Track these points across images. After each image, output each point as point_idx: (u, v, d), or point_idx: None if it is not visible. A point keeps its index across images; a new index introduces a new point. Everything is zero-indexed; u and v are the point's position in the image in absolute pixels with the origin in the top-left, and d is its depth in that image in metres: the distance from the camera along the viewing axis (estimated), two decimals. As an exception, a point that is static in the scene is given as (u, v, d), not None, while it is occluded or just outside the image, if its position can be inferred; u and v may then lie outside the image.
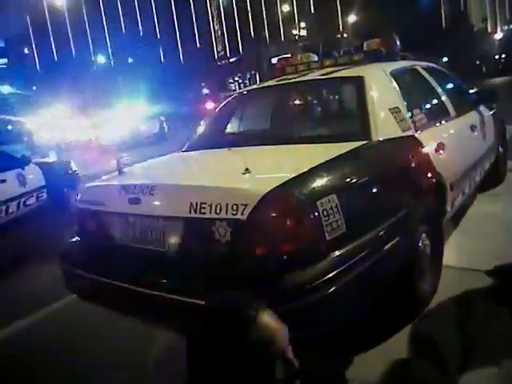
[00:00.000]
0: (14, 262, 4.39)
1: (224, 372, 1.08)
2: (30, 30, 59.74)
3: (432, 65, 3.84)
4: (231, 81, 52.05)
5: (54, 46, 61.45)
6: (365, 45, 3.59)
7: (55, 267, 2.64)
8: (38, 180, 6.06)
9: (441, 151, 2.81)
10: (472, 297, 2.62)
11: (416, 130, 2.75)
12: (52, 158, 9.35)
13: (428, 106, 3.32)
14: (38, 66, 59.19)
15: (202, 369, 1.15)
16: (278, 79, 3.54)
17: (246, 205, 1.84)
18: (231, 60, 60.34)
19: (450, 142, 2.97)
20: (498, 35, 43.38)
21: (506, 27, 45.55)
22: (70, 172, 7.13)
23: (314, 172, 2.01)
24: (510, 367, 2.00)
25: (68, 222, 3.04)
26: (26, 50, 57.07)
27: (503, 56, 29.52)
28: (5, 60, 51.91)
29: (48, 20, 60.52)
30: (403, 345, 2.24)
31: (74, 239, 2.70)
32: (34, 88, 45.46)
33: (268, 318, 1.11)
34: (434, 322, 2.38)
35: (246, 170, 2.01)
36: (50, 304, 3.28)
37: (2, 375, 2.53)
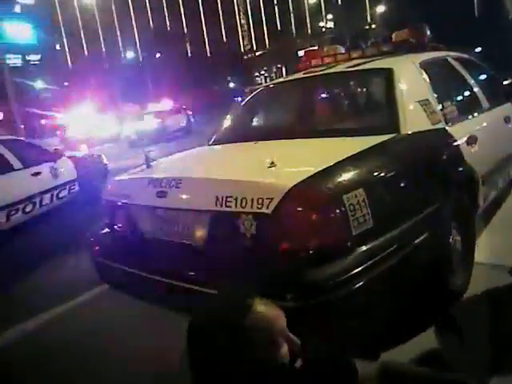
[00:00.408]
0: (45, 253, 4.54)
1: (228, 360, 1.11)
2: (62, 27, 61.22)
3: (464, 55, 3.72)
4: (257, 74, 51.92)
5: (84, 42, 62.83)
6: (393, 36, 3.52)
7: (86, 258, 2.72)
8: (69, 173, 6.24)
9: (472, 144, 2.73)
10: (503, 294, 2.54)
11: (447, 123, 2.68)
12: (83, 151, 9.61)
13: (459, 98, 3.23)
14: (69, 62, 60.67)
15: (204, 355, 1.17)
16: (304, 72, 3.50)
17: (271, 198, 1.84)
18: (257, 53, 60.17)
19: (482, 135, 2.88)
20: (536, 23, 41.52)
21: (544, 15, 43.54)
22: (101, 165, 7.32)
23: (340, 166, 1.99)
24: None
25: (98, 214, 3.12)
26: (57, 47, 58.54)
27: (541, 45, 28.22)
28: (38, 56, 53.42)
29: (78, 16, 61.85)
30: (432, 341, 2.20)
31: (103, 231, 2.77)
32: (66, 83, 46.66)
33: (260, 306, 1.12)
34: (464, 319, 2.32)
35: (272, 163, 2.00)
36: (80, 294, 3.38)
37: (37, 363, 2.63)
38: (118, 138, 21.37)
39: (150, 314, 2.62)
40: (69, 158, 6.52)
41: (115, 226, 2.66)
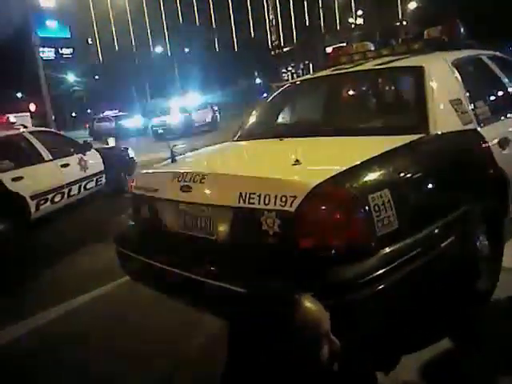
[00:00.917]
0: (70, 243, 4.67)
1: (271, 357, 1.11)
2: (94, 21, 62.41)
3: (498, 54, 3.60)
4: (284, 70, 51.67)
5: (115, 37, 63.91)
6: (425, 33, 3.43)
7: (111, 250, 2.77)
8: (97, 165, 6.37)
9: (505, 147, 2.64)
10: None
11: (479, 124, 2.60)
12: (111, 144, 9.79)
13: (493, 98, 3.12)
14: (100, 56, 61.88)
15: (246, 356, 1.17)
16: (332, 69, 3.46)
17: (294, 196, 1.83)
18: (285, 49, 59.84)
19: (515, 137, 2.78)
20: None
21: None
22: (128, 158, 7.44)
23: (366, 165, 1.96)
24: None
25: (124, 206, 3.17)
26: (89, 41, 59.78)
27: None
28: (70, 50, 54.70)
29: (110, 11, 62.90)
30: (457, 346, 2.15)
31: (129, 223, 2.82)
32: (97, 77, 47.64)
33: (310, 303, 1.12)
34: (491, 323, 2.26)
35: (297, 161, 1.99)
36: (103, 284, 3.46)
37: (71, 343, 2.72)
38: (145, 132, 21.69)
39: (167, 307, 2.67)
40: (97, 150, 6.66)
41: (140, 219, 2.71)
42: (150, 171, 2.76)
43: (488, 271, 2.45)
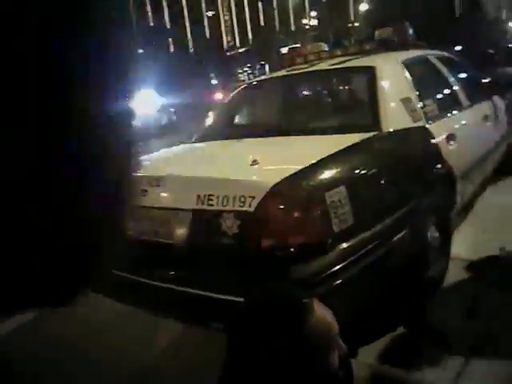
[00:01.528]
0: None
1: (276, 363, 1.07)
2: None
3: (445, 54, 3.77)
4: (240, 71, 51.76)
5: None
6: (376, 34, 3.54)
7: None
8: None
9: (452, 142, 2.77)
10: (479, 286, 2.61)
11: (427, 121, 2.71)
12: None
13: (440, 96, 3.26)
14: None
15: (247, 363, 1.12)
16: (287, 70, 3.50)
17: (253, 197, 1.83)
18: (240, 50, 59.97)
19: (461, 133, 2.92)
20: (513, 23, 42.37)
21: (521, 15, 44.43)
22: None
23: (322, 163, 1.99)
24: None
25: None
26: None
27: (517, 45, 28.85)
28: None
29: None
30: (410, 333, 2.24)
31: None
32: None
33: (323, 310, 1.08)
34: (441, 311, 2.37)
35: (254, 161, 1.99)
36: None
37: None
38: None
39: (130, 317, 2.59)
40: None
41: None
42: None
43: (438, 261, 2.56)
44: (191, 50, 61.04)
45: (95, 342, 2.62)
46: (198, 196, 1.97)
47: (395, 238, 2.07)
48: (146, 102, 19.44)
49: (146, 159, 2.93)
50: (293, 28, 58.77)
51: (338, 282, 1.78)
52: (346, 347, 1.10)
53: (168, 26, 62.18)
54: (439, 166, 2.61)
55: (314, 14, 54.48)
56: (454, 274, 2.69)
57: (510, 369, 1.94)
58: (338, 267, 1.79)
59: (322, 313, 1.07)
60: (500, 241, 3.07)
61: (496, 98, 3.93)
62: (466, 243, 3.16)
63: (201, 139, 3.19)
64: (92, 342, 2.62)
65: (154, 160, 2.97)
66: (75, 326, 2.82)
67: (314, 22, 52.83)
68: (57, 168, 0.29)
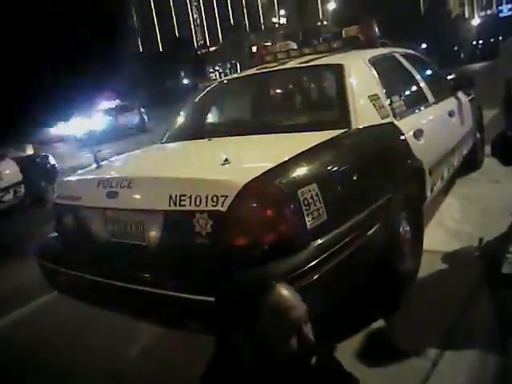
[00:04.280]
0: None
1: (240, 340, 1.16)
2: None
3: (410, 52, 3.85)
4: (211, 70, 51.50)
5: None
6: (343, 32, 3.58)
7: (34, 264, 2.58)
8: (14, 175, 5.91)
9: (419, 138, 2.83)
10: (449, 279, 2.68)
11: (395, 117, 2.76)
12: (29, 151, 9.12)
13: (407, 92, 3.33)
14: None
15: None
16: (257, 68, 3.50)
17: (225, 196, 1.82)
18: (211, 49, 59.66)
19: (428, 129, 2.99)
20: (476, 21, 43.84)
21: (482, 13, 45.98)
22: (49, 166, 6.98)
23: (293, 161, 2.00)
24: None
25: (46, 217, 2.97)
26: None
27: (480, 42, 29.89)
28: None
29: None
30: (387, 326, 2.28)
31: (52, 235, 2.64)
32: None
33: (284, 291, 1.17)
34: (415, 305, 2.42)
35: (226, 160, 1.98)
36: (27, 302, 3.21)
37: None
38: (65, 138, 20.45)
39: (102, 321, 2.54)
40: (13, 159, 6.17)
41: (64, 230, 2.55)
42: (73, 178, 2.61)
43: (411, 254, 2.61)
44: (161, 50, 60.29)
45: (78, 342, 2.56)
46: (170, 196, 1.94)
47: (368, 233, 2.10)
48: (114, 105, 18.99)
49: (115, 160, 2.87)
50: (262, 27, 58.90)
51: (314, 277, 1.79)
52: (312, 338, 1.16)
53: (136, 25, 61.13)
54: (408, 161, 2.66)
55: (283, 12, 54.75)
56: (430, 266, 2.75)
57: (483, 358, 2.00)
58: (312, 263, 1.80)
59: (284, 295, 1.15)
60: (470, 231, 3.17)
61: (460, 95, 4.05)
62: (439, 236, 3.24)
63: (171, 139, 3.16)
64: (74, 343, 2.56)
65: (124, 161, 2.91)
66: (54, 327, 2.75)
67: (284, 21, 53.10)
68: None
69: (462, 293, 2.49)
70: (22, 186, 6.00)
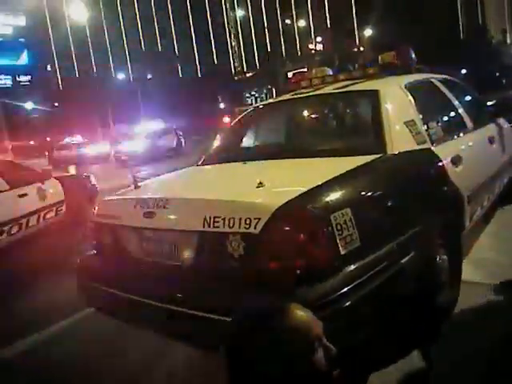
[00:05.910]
0: (30, 277, 4.44)
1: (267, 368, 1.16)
2: (53, 48, 61.48)
3: (448, 77, 3.81)
4: (248, 95, 52.46)
5: (75, 63, 63.10)
6: (380, 58, 3.59)
7: (72, 281, 2.67)
8: (57, 194, 6.18)
9: (457, 164, 2.77)
10: (491, 310, 2.55)
11: (432, 143, 2.72)
12: (72, 172, 9.54)
13: (444, 118, 3.29)
14: (60, 83, 60.79)
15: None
16: (293, 93, 3.55)
17: (258, 219, 1.84)
18: (248, 75, 60.97)
19: (467, 155, 2.92)
20: (518, 47, 42.79)
21: (525, 39, 44.87)
22: (90, 186, 7.25)
23: (327, 186, 2.00)
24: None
25: (85, 236, 3.07)
26: (48, 68, 58.71)
27: (523, 68, 29.01)
28: (28, 77, 53.48)
29: (70, 37, 62.22)
30: (421, 362, 2.18)
31: (90, 253, 2.73)
32: (56, 104, 46.67)
33: (299, 309, 1.21)
34: (453, 337, 2.31)
35: (260, 183, 2.01)
36: (65, 318, 3.30)
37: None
38: (108, 159, 21.29)
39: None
40: (57, 178, 6.46)
41: (103, 248, 2.63)
42: (112, 198, 2.71)
43: (448, 284, 2.52)
44: (199, 75, 62.05)
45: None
46: (205, 218, 1.98)
47: (402, 261, 2.05)
48: (154, 128, 19.63)
49: (153, 181, 2.96)
50: (299, 53, 59.75)
51: (345, 304, 1.76)
52: (333, 348, 1.19)
53: (177, 52, 63.45)
54: (446, 187, 2.60)
55: (319, 39, 55.41)
56: (466, 297, 2.64)
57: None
58: (344, 290, 1.77)
59: (299, 314, 1.19)
60: (510, 262, 3.03)
61: (502, 121, 3.94)
62: (478, 266, 3.11)
63: (207, 162, 3.23)
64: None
65: (161, 182, 3.00)
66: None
67: (320, 47, 53.70)
68: None
69: (501, 327, 2.37)
70: (64, 204, 6.25)
